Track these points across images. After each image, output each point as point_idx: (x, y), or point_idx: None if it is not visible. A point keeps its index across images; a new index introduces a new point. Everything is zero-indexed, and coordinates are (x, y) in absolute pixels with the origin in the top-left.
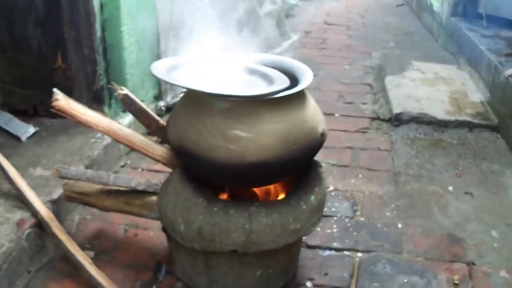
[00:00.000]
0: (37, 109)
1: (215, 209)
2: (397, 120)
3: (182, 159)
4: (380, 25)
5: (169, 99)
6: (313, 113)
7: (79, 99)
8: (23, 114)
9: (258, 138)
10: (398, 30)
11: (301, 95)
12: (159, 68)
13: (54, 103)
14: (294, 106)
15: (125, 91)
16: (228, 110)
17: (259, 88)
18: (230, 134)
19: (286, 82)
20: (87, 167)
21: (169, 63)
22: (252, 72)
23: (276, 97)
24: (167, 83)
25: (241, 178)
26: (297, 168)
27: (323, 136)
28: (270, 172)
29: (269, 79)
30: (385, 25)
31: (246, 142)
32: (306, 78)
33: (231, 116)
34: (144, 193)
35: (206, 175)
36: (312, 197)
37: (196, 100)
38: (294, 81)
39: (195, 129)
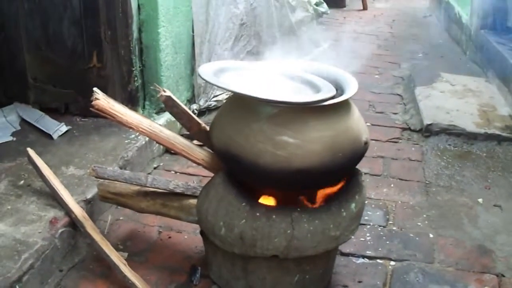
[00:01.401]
0: (69, 108)
1: (258, 214)
2: (427, 131)
3: (226, 164)
4: (408, 36)
5: (202, 102)
6: (357, 121)
7: (113, 99)
8: (55, 112)
9: (305, 145)
10: (426, 41)
11: (346, 103)
12: (207, 71)
13: (94, 102)
14: (339, 114)
15: (168, 92)
16: (276, 116)
17: (306, 95)
18: (278, 140)
19: (332, 90)
20: (121, 168)
21: (216, 67)
22: (298, 79)
23: (323, 105)
24: (216, 86)
25: (287, 184)
26: (341, 176)
27: (366, 144)
28: (315, 179)
29: (315, 87)
30: (413, 35)
31: (293, 148)
32: (352, 87)
33: (279, 122)
34: (181, 195)
35: (252, 180)
36: (353, 205)
37: (243, 105)
38: (339, 89)
39: (242, 133)
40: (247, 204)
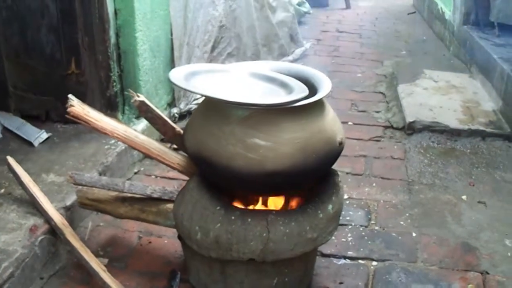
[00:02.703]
0: (50, 115)
1: (233, 218)
2: (410, 129)
3: (200, 167)
4: (392, 33)
5: (183, 106)
6: (331, 122)
7: (92, 105)
8: (36, 120)
9: (277, 147)
10: (410, 38)
11: (319, 104)
12: (177, 76)
13: (69, 109)
14: (313, 115)
15: (141, 97)
16: (248, 119)
17: (278, 96)
18: (249, 142)
19: (305, 90)
20: (100, 174)
21: (187, 71)
22: (271, 80)
23: (296, 106)
24: (186, 90)
25: (260, 187)
26: (315, 177)
27: (341, 145)
28: (288, 181)
29: (288, 88)
30: (397, 33)
31: (265, 150)
32: (325, 87)
33: (250, 125)
34: (159, 200)
35: (225, 183)
36: (330, 206)
37: (215, 108)
38: (312, 89)
39: (214, 137)
40: (222, 208)
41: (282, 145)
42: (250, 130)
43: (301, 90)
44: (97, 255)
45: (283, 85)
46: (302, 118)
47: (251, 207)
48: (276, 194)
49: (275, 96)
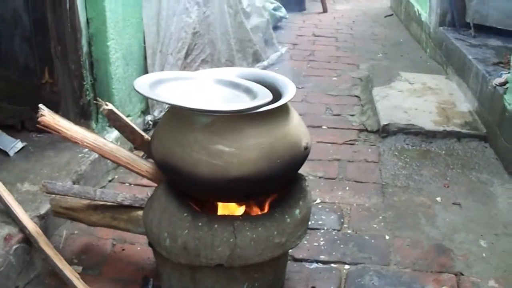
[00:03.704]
0: (25, 124)
1: (200, 224)
2: (384, 132)
3: (166, 174)
4: (368, 36)
5: (157, 113)
6: (296, 126)
7: (66, 114)
8: (11, 129)
9: (241, 153)
10: (386, 40)
11: (284, 109)
12: (142, 84)
13: (40, 119)
14: (277, 120)
15: (109, 106)
16: (211, 125)
17: (242, 102)
18: (213, 149)
19: (268, 96)
20: (74, 182)
21: (153, 78)
22: (235, 86)
23: (259, 112)
24: (149, 98)
25: (225, 193)
26: (281, 182)
27: (306, 149)
28: (253, 187)
29: (252, 94)
30: (373, 36)
31: (229, 157)
32: (289, 92)
33: (213, 131)
34: (130, 208)
35: (190, 190)
36: (297, 211)
37: (179, 116)
38: (277, 95)
39: (179, 144)
40: (189, 215)
41: (246, 151)
42: (213, 137)
43: (265, 96)
44: (71, 263)
45: (247, 91)
46: (266, 124)
47: (218, 213)
48: (241, 200)
49: (239, 102)
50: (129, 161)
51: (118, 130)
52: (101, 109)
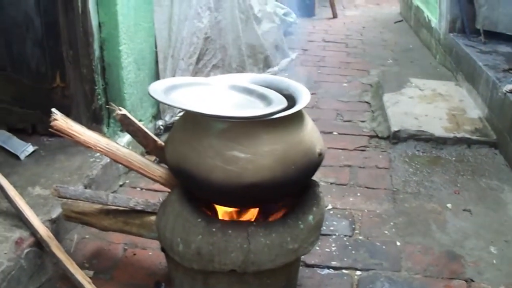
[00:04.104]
0: (36, 128)
1: (214, 229)
2: (395, 138)
3: (180, 180)
4: (378, 42)
5: (168, 118)
6: (310, 133)
7: (77, 119)
8: (22, 133)
9: (256, 159)
10: (396, 47)
11: (298, 115)
12: (157, 89)
13: (52, 123)
14: (291, 127)
15: (123, 111)
16: (226, 131)
17: (257, 109)
18: (228, 155)
19: (283, 102)
20: (86, 187)
21: (167, 84)
22: (250, 92)
23: (274, 118)
24: (164, 104)
25: (239, 199)
26: (295, 188)
27: (320, 156)
28: (268, 193)
29: (267, 100)
30: (383, 42)
31: (244, 163)
32: (304, 99)
33: (229, 137)
34: (143, 212)
35: (205, 196)
36: (310, 217)
37: (194, 121)
38: (291, 101)
39: (193, 150)
40: (203, 220)
41: (261, 157)
42: (229, 143)
43: (279, 102)
44: (82, 267)
45: (262, 97)
46: (281, 130)
47: (232, 218)
48: (256, 206)
49: (254, 108)
50: (142, 166)
51: (131, 135)
52: (114, 114)
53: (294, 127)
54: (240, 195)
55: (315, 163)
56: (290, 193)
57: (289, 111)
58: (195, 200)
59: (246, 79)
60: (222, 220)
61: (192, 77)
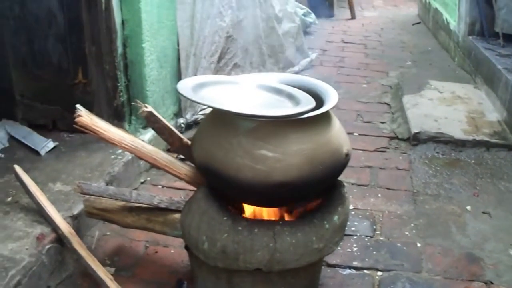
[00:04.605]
0: (56, 124)
1: (240, 228)
2: (415, 140)
3: (207, 178)
4: (397, 44)
5: (189, 116)
6: (338, 133)
7: (99, 115)
8: (42, 129)
9: (284, 158)
10: (415, 48)
11: (326, 115)
12: (185, 87)
13: (77, 119)
14: (319, 127)
15: (149, 108)
16: (255, 130)
17: (285, 108)
18: (257, 154)
19: (312, 102)
20: (107, 184)
21: (196, 82)
22: (278, 92)
23: (303, 118)
24: (193, 102)
25: (267, 198)
26: (322, 188)
27: (347, 156)
28: (295, 192)
29: (295, 100)
30: (402, 43)
31: (273, 162)
32: (332, 99)
33: (257, 136)
34: (166, 210)
35: (232, 194)
36: (336, 217)
37: (223, 120)
38: (318, 101)
39: (222, 148)
40: (229, 218)
41: (289, 156)
42: (257, 142)
43: (308, 102)
44: (103, 264)
45: (290, 97)
46: (309, 130)
47: (257, 217)
48: (283, 205)
49: (283, 108)
50: (168, 163)
51: (157, 133)
52: (139, 111)
53: (322, 127)
54: (268, 194)
55: (342, 163)
56: (317, 192)
57: (318, 111)
58: (221, 199)
59: (274, 78)
60: (248, 219)
61: (220, 75)
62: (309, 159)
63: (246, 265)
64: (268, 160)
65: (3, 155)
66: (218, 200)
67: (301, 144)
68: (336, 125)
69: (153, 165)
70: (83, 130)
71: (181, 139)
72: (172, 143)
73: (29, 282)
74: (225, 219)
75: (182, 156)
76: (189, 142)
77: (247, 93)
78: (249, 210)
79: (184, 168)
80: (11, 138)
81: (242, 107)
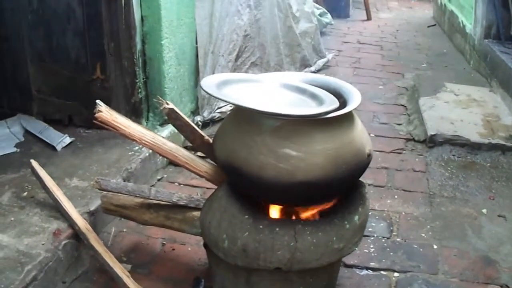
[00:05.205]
0: (73, 119)
1: (261, 227)
2: (431, 142)
3: (229, 176)
4: (412, 46)
5: (206, 114)
6: (360, 134)
7: (117, 111)
8: (58, 124)
9: (308, 157)
10: (430, 51)
11: (349, 116)
12: (209, 84)
13: (97, 115)
14: (343, 127)
15: (170, 105)
16: (279, 129)
17: (309, 107)
18: (280, 152)
19: (335, 102)
20: (124, 180)
21: (218, 79)
22: (301, 91)
23: (327, 117)
24: (218, 99)
25: (290, 197)
26: (345, 188)
27: (369, 156)
28: (318, 191)
29: (318, 99)
30: (417, 45)
31: (296, 161)
32: (355, 99)
33: (281, 135)
34: (185, 208)
35: (255, 193)
36: (356, 217)
37: (246, 118)
38: (340, 100)
39: (245, 146)
40: (250, 217)
41: (313, 155)
42: (281, 141)
43: (331, 102)
44: (120, 261)
45: (314, 97)
46: (333, 129)
47: (278, 216)
48: (306, 204)
49: (306, 107)
50: (188, 160)
51: (178, 130)
52: (161, 108)
53: (345, 127)
54: (291, 193)
55: (364, 163)
56: (339, 192)
57: (342, 111)
58: (242, 197)
59: (297, 78)
60: (270, 218)
61: (243, 73)
62: (333, 158)
63: (266, 264)
64: (292, 159)
65: (18, 150)
66: (240, 199)
67: (325, 143)
68: (359, 125)
69: (174, 162)
70: (103, 126)
71: (202, 136)
72: (193, 141)
73: (45, 277)
74: (246, 217)
75: (201, 154)
76: (211, 140)
77: (271, 92)
78: (271, 209)
79: (205, 166)
80: (27, 133)
81: (266, 106)
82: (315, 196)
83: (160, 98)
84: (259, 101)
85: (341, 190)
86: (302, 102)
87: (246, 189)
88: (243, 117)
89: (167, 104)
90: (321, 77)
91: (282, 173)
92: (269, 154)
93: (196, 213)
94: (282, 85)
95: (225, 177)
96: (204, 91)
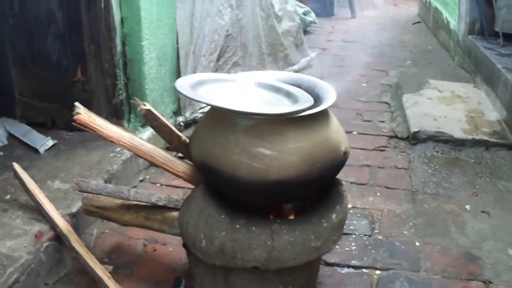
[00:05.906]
0: (55, 122)
1: (237, 226)
2: (414, 139)
3: (205, 176)
4: (397, 43)
5: (188, 114)
6: (336, 131)
7: (98, 113)
8: (41, 127)
9: (282, 156)
10: (415, 48)
11: (324, 114)
12: (184, 84)
13: (75, 117)
14: (317, 125)
15: (147, 106)
16: (252, 128)
17: (283, 106)
18: (254, 151)
19: (310, 100)
20: (106, 181)
21: (193, 80)
22: (276, 90)
23: (300, 116)
24: (191, 100)
25: (265, 196)
26: (320, 186)
27: (345, 154)
28: (293, 190)
29: (293, 98)
30: (402, 43)
31: (270, 160)
32: (330, 97)
33: (255, 134)
34: (164, 208)
35: (230, 192)
36: (334, 215)
37: (220, 117)
38: (316, 99)
39: (219, 146)
40: (227, 216)
41: (287, 154)
42: (255, 140)
43: (306, 100)
44: (102, 262)
45: (288, 95)
46: (307, 128)
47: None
48: (280, 203)
49: (280, 106)
50: (166, 161)
51: (155, 131)
52: (138, 109)
53: (320, 125)
54: (265, 192)
55: (340, 161)
56: (314, 191)
57: (316, 109)
58: (219, 197)
59: (272, 76)
60: (246, 217)
61: (218, 73)
62: (307, 157)
63: (243, 263)
64: (266, 158)
65: (2, 153)
66: (216, 198)
67: (298, 142)
68: (334, 123)
69: (151, 163)
70: (82, 128)
71: (179, 137)
72: (171, 141)
73: (27, 279)
74: (223, 217)
75: (180, 154)
76: (188, 140)
77: (245, 91)
78: (246, 208)
79: (182, 166)
80: (10, 136)
81: (240, 105)
82: (290, 194)
83: (137, 99)
84: (233, 101)
85: (317, 189)
86: (277, 100)
87: (222, 189)
88: (218, 117)
89: (144, 105)
90: (297, 76)
91: (256, 172)
92: (243, 153)
93: (175, 214)
94: (257, 84)
95: (202, 177)
96: (178, 91)
